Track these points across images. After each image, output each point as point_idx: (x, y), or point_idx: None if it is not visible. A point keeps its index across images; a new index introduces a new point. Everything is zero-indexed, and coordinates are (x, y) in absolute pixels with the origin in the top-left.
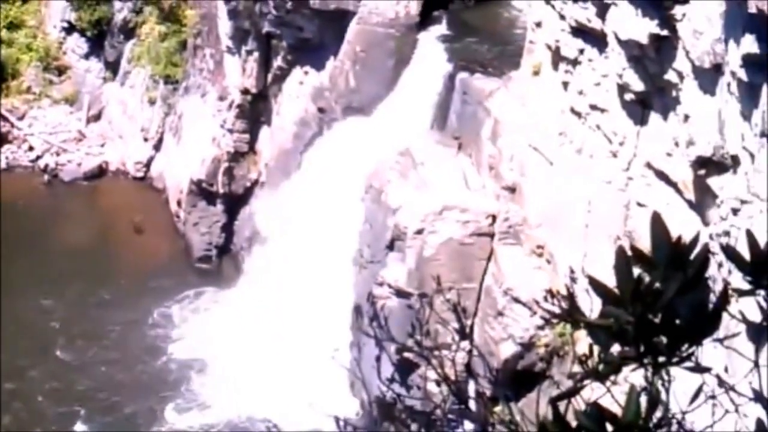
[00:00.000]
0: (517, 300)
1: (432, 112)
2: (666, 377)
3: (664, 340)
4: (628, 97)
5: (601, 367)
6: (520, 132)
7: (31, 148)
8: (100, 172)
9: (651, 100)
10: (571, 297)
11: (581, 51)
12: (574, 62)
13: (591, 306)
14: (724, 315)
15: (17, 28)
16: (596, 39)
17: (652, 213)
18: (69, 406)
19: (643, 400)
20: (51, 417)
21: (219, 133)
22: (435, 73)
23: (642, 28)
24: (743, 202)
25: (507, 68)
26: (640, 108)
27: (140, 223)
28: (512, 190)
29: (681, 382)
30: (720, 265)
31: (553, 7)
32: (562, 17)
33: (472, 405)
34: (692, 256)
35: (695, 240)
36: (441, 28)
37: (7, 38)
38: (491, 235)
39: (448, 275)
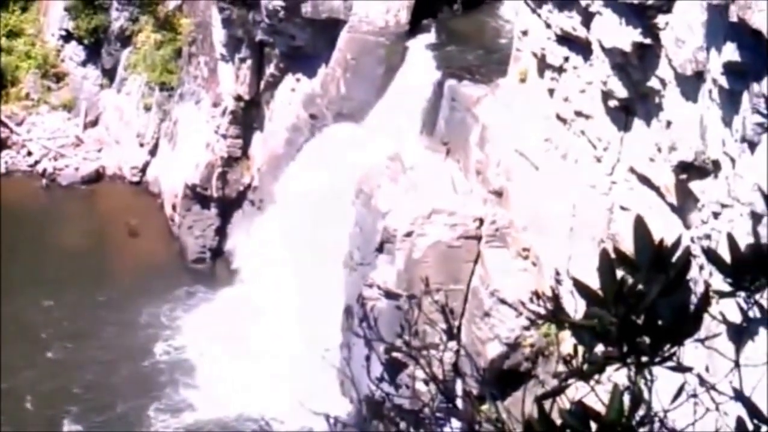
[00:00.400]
0: (503, 301)
1: (421, 118)
2: (648, 376)
3: (646, 340)
4: (612, 103)
5: (585, 366)
6: (506, 138)
7: (29, 153)
8: (97, 176)
9: (634, 106)
10: (555, 298)
11: (566, 59)
12: (560, 70)
13: (575, 307)
14: (705, 316)
15: (16, 36)
16: (581, 47)
17: (635, 216)
18: (61, 406)
19: (626, 398)
20: (42, 416)
21: (213, 138)
22: (424, 80)
23: (626, 36)
24: (724, 206)
25: (494, 75)
26: (623, 114)
27: (135, 227)
28: (499, 194)
29: (663, 382)
30: (701, 268)
31: (539, 16)
32: (548, 26)
33: (460, 404)
34: (674, 259)
35: (677, 243)
36: (430, 37)
37: (6, 46)
38: (478, 238)
39: (436, 277)
